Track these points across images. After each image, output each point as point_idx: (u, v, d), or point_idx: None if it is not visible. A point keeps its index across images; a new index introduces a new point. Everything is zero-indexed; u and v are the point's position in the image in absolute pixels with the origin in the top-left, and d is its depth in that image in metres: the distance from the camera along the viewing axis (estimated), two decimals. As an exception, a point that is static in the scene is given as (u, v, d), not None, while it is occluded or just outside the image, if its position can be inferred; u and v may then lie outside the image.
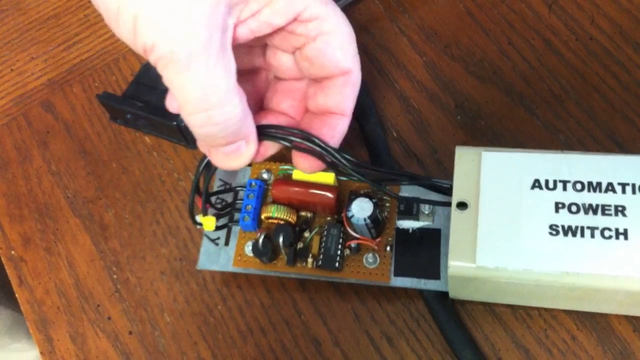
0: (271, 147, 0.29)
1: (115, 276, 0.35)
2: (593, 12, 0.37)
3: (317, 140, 0.28)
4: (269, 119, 0.29)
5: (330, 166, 0.29)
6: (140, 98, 0.38)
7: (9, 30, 0.43)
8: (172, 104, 0.27)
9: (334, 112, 0.29)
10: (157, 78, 0.39)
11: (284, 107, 0.30)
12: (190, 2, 0.22)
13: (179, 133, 0.36)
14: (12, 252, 0.36)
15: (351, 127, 0.29)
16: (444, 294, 0.30)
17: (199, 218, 0.31)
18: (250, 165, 0.33)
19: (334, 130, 0.28)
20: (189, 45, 0.23)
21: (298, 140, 0.28)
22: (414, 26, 0.38)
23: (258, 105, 0.30)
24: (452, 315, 0.30)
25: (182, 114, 0.25)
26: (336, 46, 0.27)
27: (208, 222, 0.31)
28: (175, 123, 0.35)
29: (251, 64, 0.30)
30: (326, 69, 0.28)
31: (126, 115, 0.37)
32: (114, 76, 0.40)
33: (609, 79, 0.35)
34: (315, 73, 0.28)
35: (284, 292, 0.33)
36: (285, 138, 0.28)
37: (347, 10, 0.39)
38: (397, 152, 0.35)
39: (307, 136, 0.28)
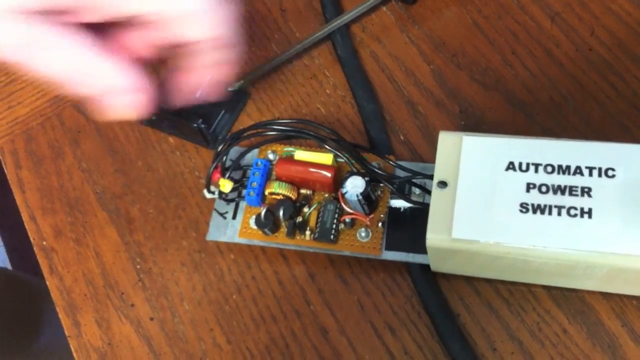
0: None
1: (139, 266, 0.37)
2: (593, 24, 0.38)
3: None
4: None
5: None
6: (165, 101, 0.40)
7: (45, 36, 0.46)
8: None
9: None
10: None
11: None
12: None
13: (200, 134, 0.38)
14: (44, 243, 0.39)
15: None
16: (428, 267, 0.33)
17: (219, 182, 0.35)
18: (257, 147, 0.36)
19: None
20: None
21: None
22: (423, 36, 0.40)
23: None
24: (435, 290, 0.33)
25: None
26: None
27: (225, 184, 0.35)
28: (196, 125, 0.38)
29: None
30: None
31: (152, 117, 0.40)
32: (141, 80, 0.43)
33: (606, 88, 0.37)
34: None
35: (295, 284, 0.35)
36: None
37: (360, 20, 0.41)
38: (404, 154, 0.37)
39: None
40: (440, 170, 0.31)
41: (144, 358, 0.35)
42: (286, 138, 0.36)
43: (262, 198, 0.35)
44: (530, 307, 0.32)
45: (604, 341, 0.31)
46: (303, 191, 0.35)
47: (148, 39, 0.30)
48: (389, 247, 0.34)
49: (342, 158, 0.34)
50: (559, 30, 0.39)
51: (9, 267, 1.14)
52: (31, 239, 0.39)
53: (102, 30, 0.29)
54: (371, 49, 0.41)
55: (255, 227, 0.35)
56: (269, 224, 0.34)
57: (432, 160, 0.32)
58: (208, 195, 0.36)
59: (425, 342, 0.33)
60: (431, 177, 0.31)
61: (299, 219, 0.34)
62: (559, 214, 0.29)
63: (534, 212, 0.29)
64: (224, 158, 0.35)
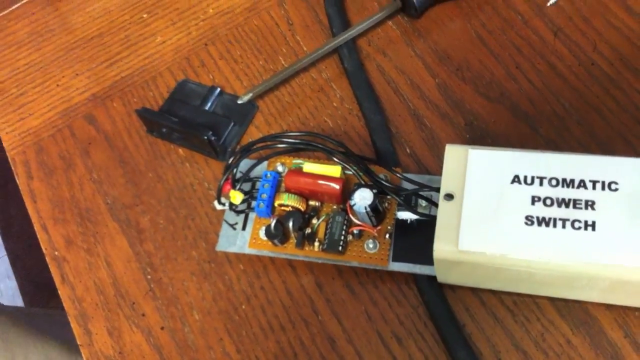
0: None
1: (149, 276, 0.38)
2: (595, 39, 0.39)
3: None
4: None
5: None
6: (175, 113, 0.41)
7: (55, 48, 0.46)
8: None
9: None
10: (190, 95, 0.43)
11: None
12: None
13: (210, 146, 0.39)
14: (56, 253, 0.39)
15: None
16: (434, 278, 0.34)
17: (230, 193, 0.35)
18: (267, 159, 0.37)
19: None
20: None
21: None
22: (428, 50, 0.41)
23: None
24: (441, 300, 0.34)
25: None
26: None
27: (236, 196, 0.35)
28: (206, 137, 0.38)
29: None
30: None
31: (162, 129, 0.41)
32: (151, 92, 0.44)
33: (608, 101, 0.37)
34: None
35: (303, 294, 0.36)
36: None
37: (366, 34, 0.42)
38: (410, 166, 0.38)
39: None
40: (446, 183, 0.32)
41: (154, 366, 0.36)
42: (295, 150, 0.37)
43: (271, 209, 0.36)
44: (535, 318, 0.33)
45: (607, 352, 0.32)
46: (312, 203, 0.36)
47: None
48: (396, 258, 0.34)
49: (350, 170, 0.35)
50: (562, 45, 0.39)
51: (12, 275, 1.14)
52: (43, 249, 0.40)
53: None
54: (377, 62, 0.41)
55: (264, 238, 0.35)
56: (278, 235, 0.35)
57: (438, 172, 0.32)
58: (218, 207, 0.37)
59: (432, 352, 0.33)
60: (437, 189, 0.32)
61: (308, 230, 0.35)
62: (564, 226, 0.30)
63: (539, 224, 0.30)
64: (234, 170, 0.36)
